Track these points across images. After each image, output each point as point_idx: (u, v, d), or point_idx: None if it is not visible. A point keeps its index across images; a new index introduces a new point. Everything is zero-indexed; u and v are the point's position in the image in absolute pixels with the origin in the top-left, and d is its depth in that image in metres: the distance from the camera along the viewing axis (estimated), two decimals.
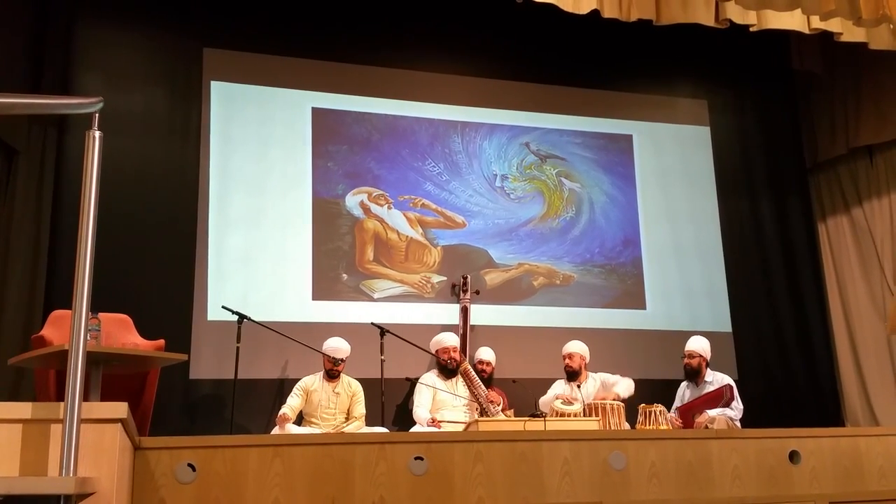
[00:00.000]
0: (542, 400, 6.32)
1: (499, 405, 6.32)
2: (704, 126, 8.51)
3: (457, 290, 7.20)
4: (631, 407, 5.93)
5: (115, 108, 6.53)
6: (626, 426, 5.58)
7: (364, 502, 3.65)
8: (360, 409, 6.22)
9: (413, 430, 6.11)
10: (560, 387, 6.49)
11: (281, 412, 5.96)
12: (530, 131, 7.97)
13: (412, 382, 6.53)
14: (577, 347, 6.57)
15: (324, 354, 6.19)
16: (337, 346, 6.18)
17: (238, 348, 6.19)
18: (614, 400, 5.86)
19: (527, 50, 7.95)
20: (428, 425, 6.04)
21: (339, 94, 7.50)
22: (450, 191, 7.59)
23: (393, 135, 7.57)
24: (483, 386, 6.41)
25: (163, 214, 6.71)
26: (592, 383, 6.49)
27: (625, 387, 6.27)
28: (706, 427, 5.57)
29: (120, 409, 2.65)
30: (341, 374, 6.23)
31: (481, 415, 6.19)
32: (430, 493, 3.75)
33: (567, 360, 6.52)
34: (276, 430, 5.86)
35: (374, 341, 6.56)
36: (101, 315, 4.11)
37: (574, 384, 6.40)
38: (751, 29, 6.46)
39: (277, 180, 7.14)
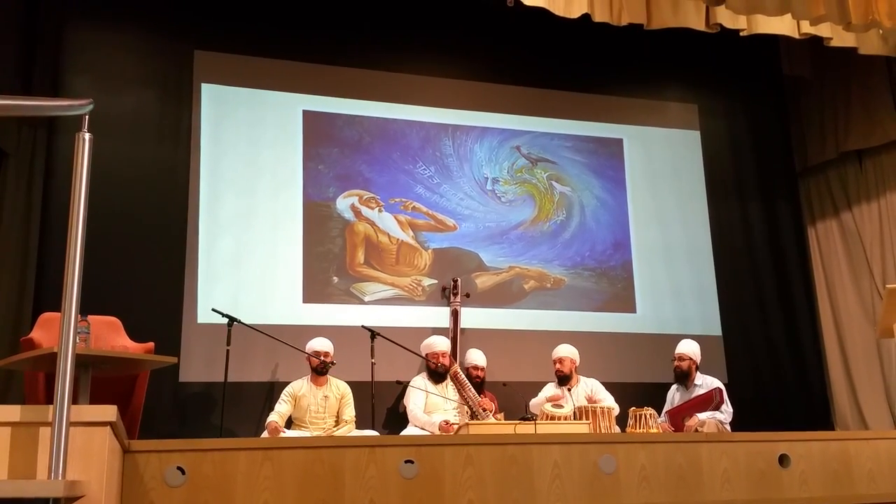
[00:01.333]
0: (533, 402, 6.32)
1: (491, 411, 6.31)
2: (695, 130, 8.54)
3: (447, 294, 7.19)
4: (621, 411, 5.94)
5: (106, 110, 6.50)
6: (617, 429, 5.59)
7: None
8: (349, 411, 6.21)
9: (404, 432, 6.10)
10: (551, 390, 6.49)
11: (271, 421, 5.95)
12: (521, 135, 7.98)
13: (403, 386, 6.52)
14: (566, 352, 6.56)
15: (309, 356, 6.17)
16: (321, 342, 6.20)
17: (228, 351, 6.17)
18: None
19: (518, 53, 7.96)
20: (440, 428, 5.99)
21: (330, 96, 7.49)
22: (441, 194, 7.59)
23: (384, 138, 7.56)
24: (473, 389, 6.40)
25: (153, 217, 6.69)
26: (584, 387, 6.49)
27: (609, 405, 6.25)
28: (696, 430, 5.58)
29: (109, 412, 2.64)
30: (329, 377, 6.21)
31: (471, 418, 6.18)
32: (420, 497, 3.74)
33: (558, 365, 6.52)
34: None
35: (364, 344, 6.55)
36: (91, 318, 4.10)
37: (565, 388, 6.41)
38: (741, 33, 6.48)
39: (268, 183, 7.13)
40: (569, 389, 6.38)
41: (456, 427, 5.94)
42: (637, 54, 8.05)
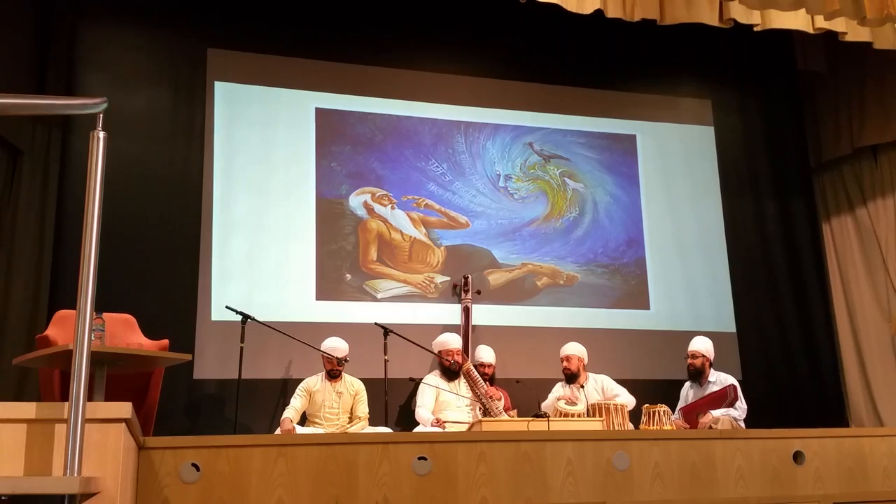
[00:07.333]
0: (545, 404, 6.31)
1: (500, 400, 6.31)
2: (708, 126, 8.50)
3: (458, 291, 7.19)
4: (635, 407, 5.93)
5: (119, 108, 6.55)
6: (630, 426, 5.57)
7: (367, 502, 3.65)
8: (363, 408, 6.22)
9: (416, 430, 6.11)
10: (559, 390, 6.47)
11: (285, 418, 5.97)
12: (534, 131, 7.97)
13: (416, 382, 6.53)
14: (574, 349, 6.54)
15: (323, 354, 6.18)
16: (335, 346, 6.19)
17: (242, 348, 6.20)
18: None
19: (530, 50, 7.95)
20: (432, 426, 6.03)
21: (343, 94, 7.50)
22: (453, 191, 7.59)
23: (396, 135, 7.57)
24: (485, 386, 6.40)
25: (167, 214, 6.72)
26: (594, 384, 6.47)
27: (624, 400, 6.24)
28: (710, 427, 5.56)
29: (124, 408, 2.66)
30: (343, 374, 6.23)
31: (484, 415, 6.19)
32: (433, 494, 3.75)
33: (565, 363, 6.51)
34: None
35: (377, 341, 6.56)
36: (106, 315, 4.11)
37: (574, 385, 6.39)
38: (755, 28, 6.45)
39: (281, 181, 7.15)
40: (581, 387, 6.36)
41: (447, 426, 5.96)
42: (650, 50, 8.02)
